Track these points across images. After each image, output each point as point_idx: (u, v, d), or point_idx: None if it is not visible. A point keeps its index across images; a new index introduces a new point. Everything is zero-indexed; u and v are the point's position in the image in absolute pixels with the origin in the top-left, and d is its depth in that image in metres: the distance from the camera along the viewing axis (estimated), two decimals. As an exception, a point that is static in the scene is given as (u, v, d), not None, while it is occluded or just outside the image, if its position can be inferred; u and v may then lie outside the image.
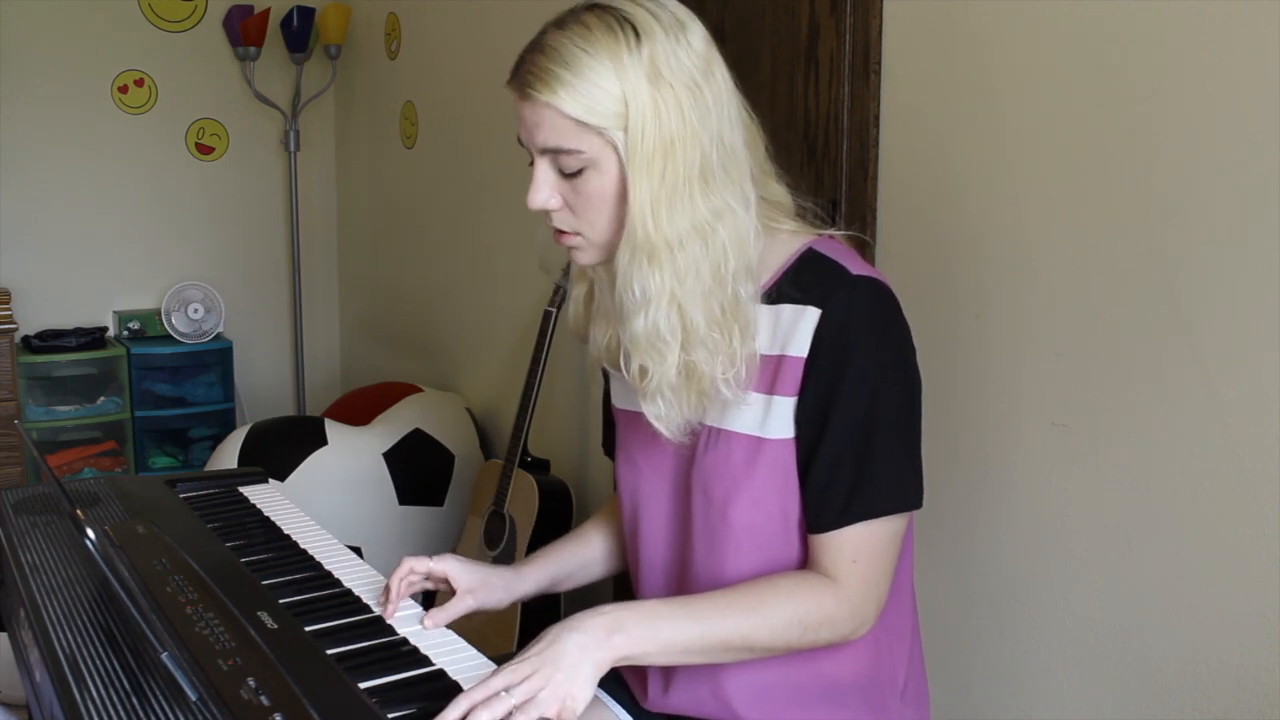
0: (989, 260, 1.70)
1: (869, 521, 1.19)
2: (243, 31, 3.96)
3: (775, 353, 1.21)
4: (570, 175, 1.16)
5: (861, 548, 1.20)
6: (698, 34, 1.17)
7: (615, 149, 1.14)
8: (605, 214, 1.17)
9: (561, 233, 1.21)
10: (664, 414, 1.19)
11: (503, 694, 1.05)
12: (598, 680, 1.09)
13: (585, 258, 1.23)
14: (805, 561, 1.25)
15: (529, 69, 1.14)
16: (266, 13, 3.99)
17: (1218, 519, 1.43)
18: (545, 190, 1.18)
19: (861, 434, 1.18)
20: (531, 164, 1.20)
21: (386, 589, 1.31)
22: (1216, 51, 1.39)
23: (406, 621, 1.26)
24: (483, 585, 1.35)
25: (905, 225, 1.85)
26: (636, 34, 1.12)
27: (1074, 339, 1.59)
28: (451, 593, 1.35)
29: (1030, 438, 1.66)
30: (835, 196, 1.93)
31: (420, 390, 3.39)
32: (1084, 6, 1.54)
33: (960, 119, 1.73)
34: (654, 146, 1.12)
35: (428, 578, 1.34)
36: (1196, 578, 1.46)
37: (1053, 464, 1.63)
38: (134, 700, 1.01)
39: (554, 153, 1.15)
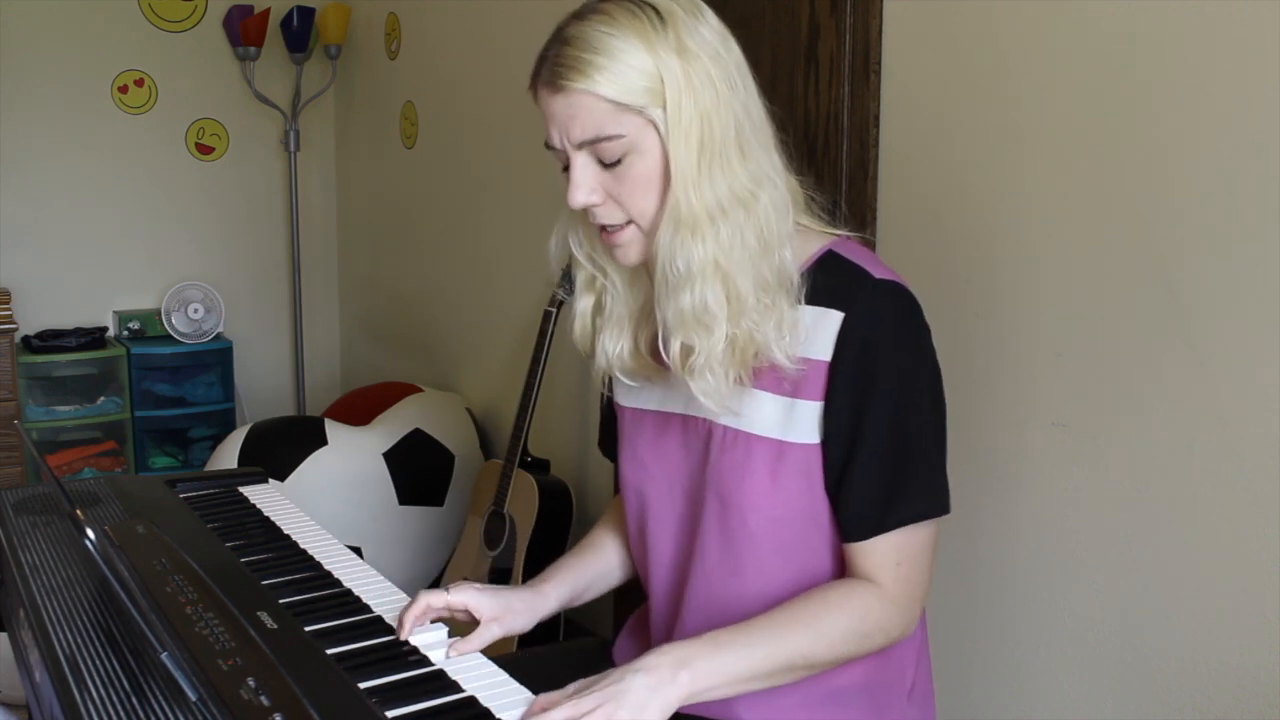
0: (989, 260, 1.70)
1: (908, 527, 1.20)
2: (243, 31, 3.96)
3: (798, 355, 1.20)
4: (611, 165, 1.15)
5: (903, 551, 1.20)
6: (710, 12, 1.19)
7: (655, 127, 1.13)
8: (652, 198, 1.16)
9: (607, 232, 1.20)
10: (712, 388, 1.18)
11: None
12: None
13: (634, 253, 1.21)
14: (830, 564, 1.26)
15: (557, 62, 1.13)
16: (266, 13, 3.99)
17: (1218, 519, 1.43)
18: (586, 187, 1.16)
19: (896, 442, 1.19)
20: (565, 169, 1.18)
21: (401, 624, 1.24)
22: (1218, 52, 1.39)
23: (434, 648, 1.23)
24: (506, 611, 1.31)
25: (905, 225, 1.85)
26: (659, 14, 1.13)
27: (1074, 339, 1.59)
28: (468, 623, 1.31)
29: (1031, 438, 1.66)
30: (835, 196, 1.93)
31: (420, 390, 3.39)
32: (1085, 6, 1.54)
33: (960, 119, 1.73)
34: (691, 119, 1.13)
35: (445, 608, 1.29)
36: (1196, 578, 1.46)
37: (1053, 464, 1.63)
38: (134, 700, 1.01)
39: (594, 142, 1.14)
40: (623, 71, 1.11)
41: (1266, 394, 1.37)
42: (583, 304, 1.30)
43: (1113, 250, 1.53)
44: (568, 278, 1.31)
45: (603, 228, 1.20)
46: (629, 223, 1.18)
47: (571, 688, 1.10)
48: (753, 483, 1.23)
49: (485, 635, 1.28)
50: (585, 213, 1.21)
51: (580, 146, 1.15)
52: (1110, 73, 1.51)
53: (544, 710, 1.06)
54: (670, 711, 1.09)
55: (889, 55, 1.85)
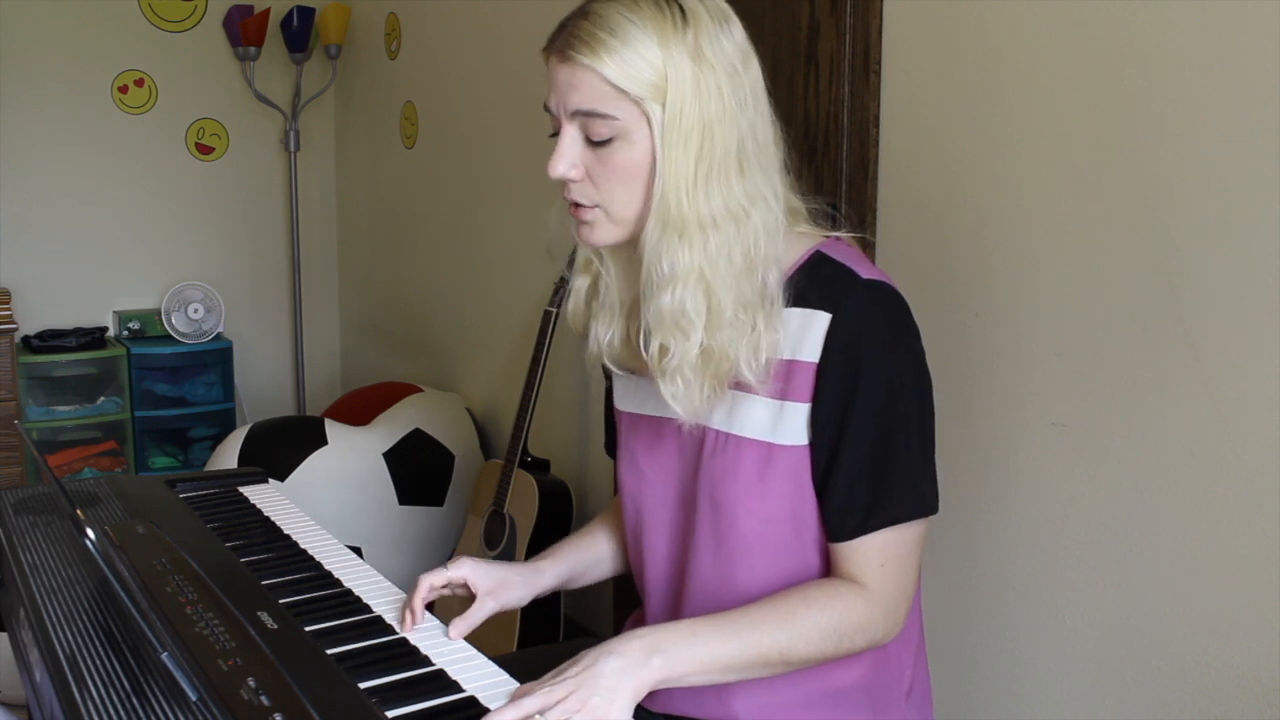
0: (989, 260, 1.70)
1: (893, 528, 1.19)
2: (243, 31, 3.96)
3: (786, 357, 1.20)
4: (598, 144, 1.15)
5: (887, 552, 1.20)
6: (738, 26, 1.18)
7: (649, 122, 1.13)
8: (628, 188, 1.16)
9: (577, 206, 1.20)
10: (681, 393, 1.18)
11: (536, 717, 1.04)
12: (635, 705, 1.09)
13: (597, 235, 1.20)
14: (820, 567, 1.25)
15: (572, 32, 1.14)
16: (266, 13, 3.99)
17: (1218, 519, 1.43)
18: (568, 159, 1.16)
19: (881, 442, 1.18)
20: (553, 135, 1.19)
21: (411, 610, 1.26)
22: (1218, 52, 1.39)
23: (428, 635, 1.24)
24: (502, 585, 1.34)
25: (905, 225, 1.85)
26: (683, 15, 1.13)
27: (1074, 339, 1.59)
28: (466, 600, 1.33)
29: (1030, 438, 1.66)
30: (835, 196, 1.93)
31: (420, 390, 3.39)
32: (1085, 6, 1.54)
33: (960, 119, 1.73)
34: (692, 123, 1.12)
35: (446, 585, 1.32)
36: (1196, 578, 1.46)
37: (1053, 464, 1.63)
38: (134, 700, 1.01)
39: (586, 116, 1.14)
40: (630, 58, 1.11)
41: (1266, 394, 1.37)
42: (579, 282, 1.30)
43: (1112, 250, 1.53)
44: (573, 263, 1.32)
45: (574, 204, 1.20)
46: (597, 206, 1.19)
47: (547, 676, 1.10)
48: (742, 485, 1.23)
49: (481, 610, 1.30)
50: (563, 188, 1.21)
51: (573, 116, 1.15)
52: (1110, 72, 1.51)
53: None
54: (641, 695, 1.09)
55: (889, 55, 1.85)
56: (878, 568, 1.20)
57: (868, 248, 1.85)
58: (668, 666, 1.11)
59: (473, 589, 1.33)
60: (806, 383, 1.19)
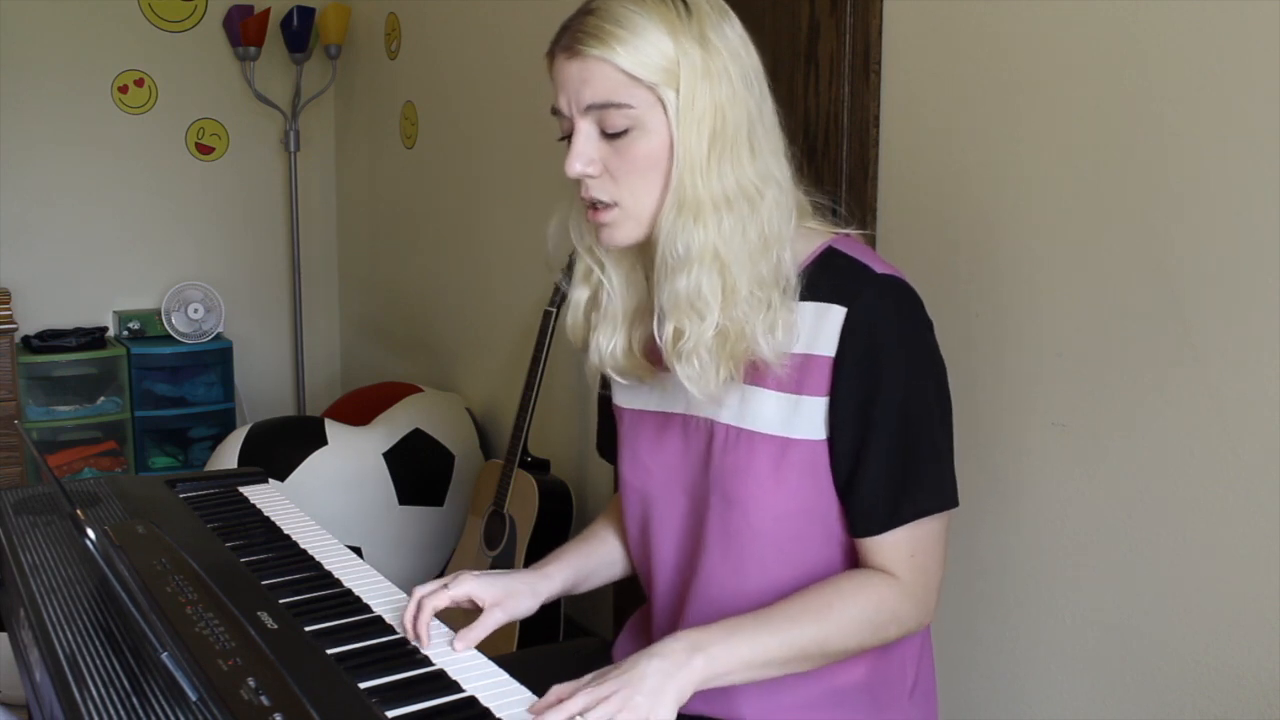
0: (989, 260, 1.70)
1: (918, 521, 1.20)
2: (243, 31, 3.96)
3: (800, 351, 1.20)
4: (614, 136, 1.16)
5: (916, 543, 1.21)
6: (735, 18, 1.21)
7: (664, 109, 1.14)
8: (647, 179, 1.17)
9: (595, 208, 1.20)
10: (697, 374, 1.18)
11: (578, 717, 1.04)
12: (679, 706, 1.09)
13: (619, 235, 1.21)
14: (837, 560, 1.26)
15: (579, 29, 1.15)
16: (266, 13, 3.99)
17: (1218, 519, 1.43)
18: (585, 155, 1.17)
19: (905, 437, 1.19)
20: (562, 139, 1.19)
21: (418, 637, 1.23)
22: (1219, 52, 1.39)
23: (435, 645, 1.23)
24: (508, 595, 1.31)
25: (905, 225, 1.85)
26: (686, 6, 1.16)
27: (1074, 339, 1.59)
28: (471, 612, 1.31)
29: (1030, 438, 1.66)
30: (835, 197, 1.93)
31: (420, 390, 3.39)
32: (1086, 6, 1.54)
33: (960, 119, 1.73)
34: (705, 107, 1.14)
35: (450, 606, 1.29)
36: (1196, 577, 1.46)
37: (1053, 464, 1.63)
38: (134, 700, 1.01)
39: (601, 108, 1.15)
40: (641, 46, 1.13)
41: (1266, 394, 1.37)
42: (578, 295, 1.30)
43: (1113, 250, 1.53)
44: (571, 268, 1.31)
45: (592, 205, 1.20)
46: (616, 204, 1.19)
47: (588, 678, 1.10)
48: (756, 480, 1.23)
49: (489, 622, 1.28)
50: (580, 188, 1.21)
51: (587, 111, 1.16)
52: (1111, 72, 1.51)
53: (560, 700, 1.07)
54: (686, 696, 1.09)
55: (889, 55, 1.85)
56: (908, 557, 1.21)
57: (870, 244, 1.85)
58: (710, 665, 1.11)
59: (478, 604, 1.29)
60: (823, 377, 1.20)
